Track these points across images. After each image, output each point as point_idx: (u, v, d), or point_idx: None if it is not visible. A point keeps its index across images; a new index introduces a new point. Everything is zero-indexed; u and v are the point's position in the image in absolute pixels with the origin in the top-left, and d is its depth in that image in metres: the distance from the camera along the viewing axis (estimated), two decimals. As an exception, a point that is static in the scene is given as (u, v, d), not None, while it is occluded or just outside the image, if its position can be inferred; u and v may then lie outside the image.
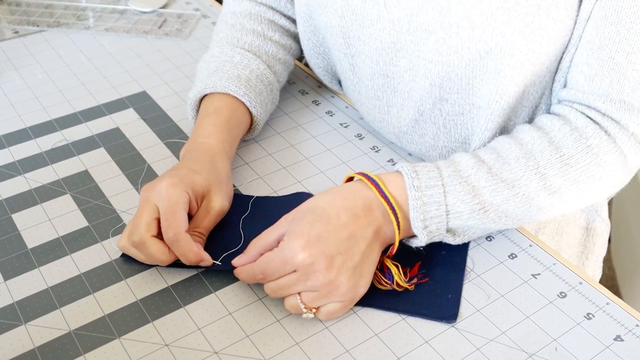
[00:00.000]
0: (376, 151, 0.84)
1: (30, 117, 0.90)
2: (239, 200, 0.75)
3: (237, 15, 0.88)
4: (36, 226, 0.73)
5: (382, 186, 0.65)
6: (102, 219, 0.74)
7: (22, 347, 0.61)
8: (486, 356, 0.61)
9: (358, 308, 0.65)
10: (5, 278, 0.68)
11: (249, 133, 0.84)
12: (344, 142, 0.86)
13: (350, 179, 0.68)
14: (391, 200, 0.64)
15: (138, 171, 0.81)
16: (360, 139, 0.86)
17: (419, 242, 0.66)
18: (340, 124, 0.89)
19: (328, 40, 0.82)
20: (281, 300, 0.65)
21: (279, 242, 0.63)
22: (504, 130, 0.75)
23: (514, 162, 0.66)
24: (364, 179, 0.66)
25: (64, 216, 0.75)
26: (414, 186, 0.64)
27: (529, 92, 0.72)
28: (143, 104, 0.93)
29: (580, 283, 0.67)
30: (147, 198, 0.67)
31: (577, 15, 0.68)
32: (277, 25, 0.88)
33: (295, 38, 0.90)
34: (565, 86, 0.73)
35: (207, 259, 0.66)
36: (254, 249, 0.65)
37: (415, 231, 0.65)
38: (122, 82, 0.97)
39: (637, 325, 0.64)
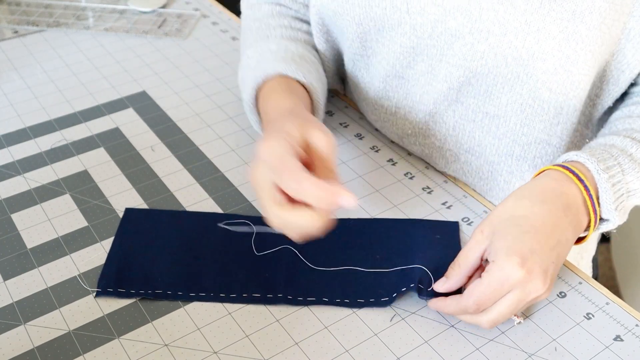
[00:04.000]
0: (376, 151, 0.84)
1: (29, 117, 0.90)
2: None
3: (259, 20, 0.85)
4: (36, 226, 0.73)
5: (586, 182, 0.62)
6: (102, 219, 0.74)
7: (21, 347, 0.61)
8: (486, 356, 0.61)
9: (357, 309, 0.65)
10: (5, 278, 0.68)
11: (315, 114, 0.77)
12: (344, 142, 0.86)
13: (541, 172, 0.66)
14: (593, 195, 0.62)
15: (138, 171, 0.81)
16: (360, 138, 0.86)
17: (612, 225, 0.65)
18: (340, 124, 0.89)
19: (342, 43, 0.81)
20: (281, 300, 0.65)
21: (481, 260, 0.61)
22: (541, 142, 0.75)
23: None
24: (569, 174, 0.63)
25: (63, 216, 0.75)
26: (601, 169, 0.63)
27: (568, 105, 0.72)
28: (143, 104, 0.93)
29: (580, 283, 0.67)
30: (255, 176, 0.58)
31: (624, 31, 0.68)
32: (301, 20, 0.86)
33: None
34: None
35: (348, 193, 0.56)
36: (458, 272, 0.61)
37: (609, 215, 0.64)
38: (121, 82, 0.97)
39: (637, 325, 0.64)
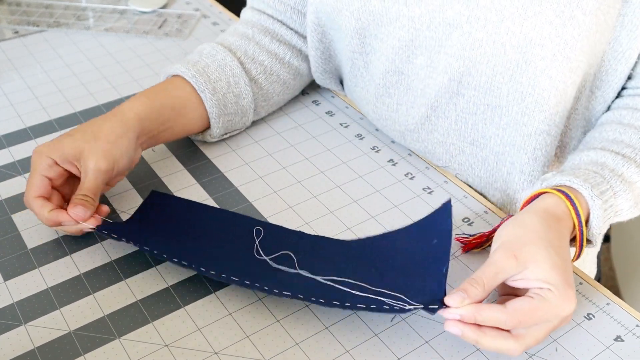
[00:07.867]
0: (376, 151, 0.84)
1: (30, 117, 0.90)
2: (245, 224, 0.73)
3: (237, 23, 0.89)
4: (36, 226, 0.73)
5: (582, 216, 0.63)
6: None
7: (22, 348, 0.61)
8: (486, 356, 0.61)
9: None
10: (5, 278, 0.68)
11: (205, 132, 0.83)
12: (344, 142, 0.86)
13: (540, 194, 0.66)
14: (583, 222, 0.63)
15: (138, 171, 0.81)
16: (360, 139, 0.86)
17: (593, 246, 0.67)
18: (340, 124, 0.89)
19: (339, 42, 0.81)
20: (281, 300, 0.65)
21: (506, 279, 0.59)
22: (542, 132, 0.74)
23: None
24: (566, 201, 0.64)
25: (64, 216, 0.75)
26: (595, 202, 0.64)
27: (566, 93, 0.72)
28: (143, 104, 0.92)
29: (581, 283, 0.67)
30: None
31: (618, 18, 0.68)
32: (273, 32, 0.86)
33: (292, 48, 0.88)
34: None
35: (67, 219, 0.67)
36: (481, 292, 0.57)
37: (593, 238, 0.65)
38: (122, 82, 0.97)
39: (637, 326, 0.64)
